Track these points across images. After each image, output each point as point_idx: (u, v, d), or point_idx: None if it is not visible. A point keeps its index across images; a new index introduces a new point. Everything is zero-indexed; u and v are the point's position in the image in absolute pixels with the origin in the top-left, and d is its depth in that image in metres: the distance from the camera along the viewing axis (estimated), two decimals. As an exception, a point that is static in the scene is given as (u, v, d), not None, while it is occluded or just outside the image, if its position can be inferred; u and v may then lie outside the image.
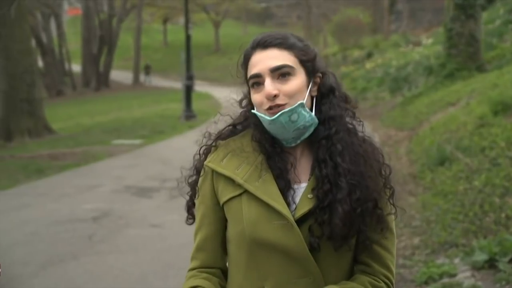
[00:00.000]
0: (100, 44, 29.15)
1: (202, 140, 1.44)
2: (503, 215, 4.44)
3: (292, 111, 1.29)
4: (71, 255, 4.86)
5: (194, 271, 1.39)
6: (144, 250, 5.05)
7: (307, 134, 1.34)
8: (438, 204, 5.28)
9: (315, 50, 1.37)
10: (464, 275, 3.79)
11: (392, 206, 1.36)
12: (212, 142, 1.41)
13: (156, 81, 32.20)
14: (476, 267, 3.83)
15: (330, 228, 1.27)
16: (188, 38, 16.71)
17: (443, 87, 11.65)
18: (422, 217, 5.13)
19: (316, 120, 1.34)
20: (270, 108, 1.30)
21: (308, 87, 1.33)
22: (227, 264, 1.42)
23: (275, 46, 1.32)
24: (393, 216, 1.36)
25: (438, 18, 23.19)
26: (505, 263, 3.71)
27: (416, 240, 4.63)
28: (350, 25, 25.83)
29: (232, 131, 1.43)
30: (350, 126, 1.36)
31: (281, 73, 1.30)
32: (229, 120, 1.46)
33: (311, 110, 1.34)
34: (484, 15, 13.59)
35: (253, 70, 1.32)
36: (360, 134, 1.38)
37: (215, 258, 1.39)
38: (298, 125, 1.31)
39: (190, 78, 16.28)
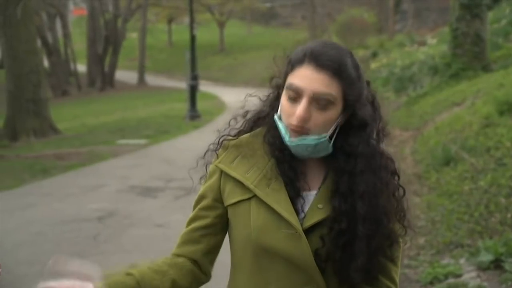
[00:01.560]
0: (105, 44, 29.22)
1: (226, 129, 1.40)
2: (509, 215, 4.42)
3: (314, 142, 1.25)
4: (76, 255, 4.83)
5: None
6: (149, 250, 5.05)
7: (319, 155, 1.30)
8: (443, 204, 5.26)
9: (364, 82, 1.30)
10: (469, 275, 3.78)
11: (403, 227, 1.32)
12: (235, 134, 1.39)
13: (161, 81, 32.25)
14: (482, 268, 3.81)
15: (342, 272, 1.25)
16: (192, 38, 16.72)
17: (448, 87, 11.61)
18: (427, 217, 5.12)
19: (331, 150, 1.29)
20: (293, 128, 1.25)
21: (338, 119, 1.27)
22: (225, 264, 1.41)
23: (329, 71, 1.23)
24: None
25: (443, 18, 23.13)
26: (511, 263, 3.69)
27: (421, 240, 4.62)
28: (355, 25, 25.79)
29: (256, 121, 1.39)
30: (376, 163, 1.28)
31: (321, 101, 1.24)
32: (255, 103, 1.41)
33: (331, 137, 1.28)
34: (490, 15, 13.53)
35: (296, 80, 1.24)
36: (383, 161, 1.30)
37: (194, 250, 1.37)
38: (314, 150, 1.28)
39: (194, 78, 16.29)
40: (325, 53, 1.24)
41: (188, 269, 1.37)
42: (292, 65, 1.28)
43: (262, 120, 1.38)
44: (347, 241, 1.25)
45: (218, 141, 1.39)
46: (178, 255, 1.39)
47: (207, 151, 1.40)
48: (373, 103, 1.33)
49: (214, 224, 1.38)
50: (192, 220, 1.40)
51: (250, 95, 1.41)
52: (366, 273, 1.27)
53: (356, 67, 1.27)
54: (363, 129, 1.28)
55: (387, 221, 1.27)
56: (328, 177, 1.31)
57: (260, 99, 1.40)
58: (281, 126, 1.28)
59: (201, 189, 1.41)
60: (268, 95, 1.38)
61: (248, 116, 1.41)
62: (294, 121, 1.25)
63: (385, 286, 1.32)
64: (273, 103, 1.36)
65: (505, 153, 5.63)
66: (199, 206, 1.39)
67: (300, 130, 1.24)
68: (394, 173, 1.33)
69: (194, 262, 1.38)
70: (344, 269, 1.25)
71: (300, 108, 1.23)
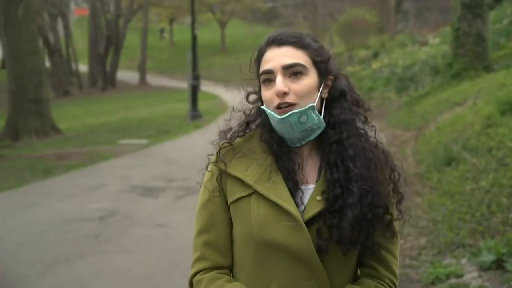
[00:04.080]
0: (107, 44, 29.24)
1: (218, 142, 1.40)
2: (510, 215, 4.42)
3: (302, 112, 1.29)
4: (78, 255, 4.88)
5: (212, 272, 1.35)
6: (150, 249, 5.06)
7: (312, 136, 1.34)
8: (445, 204, 5.25)
9: (329, 52, 1.37)
10: (471, 275, 3.77)
11: (399, 212, 1.35)
12: (229, 141, 1.39)
13: (162, 81, 32.28)
14: (483, 268, 3.81)
15: (339, 232, 1.27)
16: (194, 38, 16.72)
17: (450, 87, 11.60)
18: (428, 218, 5.11)
19: (324, 124, 1.33)
20: (279, 106, 1.29)
21: (319, 89, 1.33)
22: None
23: (290, 44, 1.31)
24: (398, 221, 1.36)
25: (445, 18, 23.10)
26: (512, 263, 3.68)
27: (422, 241, 4.61)
28: (356, 25, 25.76)
29: (246, 129, 1.41)
30: (362, 131, 1.35)
31: (293, 71, 1.30)
32: (241, 117, 1.43)
33: (320, 112, 1.33)
34: (492, 15, 13.52)
35: (265, 66, 1.32)
36: (372, 139, 1.37)
37: (225, 259, 1.37)
38: (305, 126, 1.31)
39: (196, 78, 16.29)
40: (282, 33, 1.34)
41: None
42: (258, 59, 1.35)
43: (252, 124, 1.41)
44: (342, 205, 1.28)
45: (218, 153, 1.38)
46: (218, 268, 1.37)
47: (208, 163, 1.41)
48: (347, 79, 1.40)
49: (231, 228, 1.38)
50: (206, 229, 1.38)
51: (235, 111, 1.44)
52: (362, 238, 1.28)
53: (315, 40, 1.36)
54: (343, 98, 1.36)
55: (381, 187, 1.30)
56: (323, 169, 1.34)
57: (244, 113, 1.43)
58: (269, 111, 1.32)
59: (203, 195, 1.40)
60: (253, 108, 1.42)
61: (239, 123, 1.42)
62: (276, 99, 1.30)
63: (387, 278, 1.35)
64: (258, 107, 1.40)
65: (507, 153, 5.62)
66: (210, 213, 1.38)
67: (285, 105, 1.29)
68: (387, 156, 1.36)
69: (229, 270, 1.39)
70: (343, 232, 1.27)
71: (276, 83, 1.29)
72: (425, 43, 19.22)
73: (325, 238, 1.28)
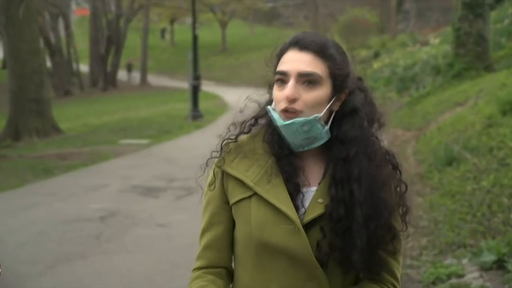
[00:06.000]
0: (108, 44, 29.25)
1: (226, 134, 1.40)
2: (511, 215, 4.41)
3: (305, 122, 1.27)
4: (79, 255, 4.88)
5: (200, 271, 1.39)
6: (151, 249, 5.06)
7: (315, 145, 1.32)
8: (446, 204, 5.25)
9: (350, 66, 1.34)
10: (472, 275, 3.77)
11: (403, 223, 1.33)
12: (235, 137, 1.38)
13: (163, 81, 32.30)
14: (484, 268, 3.81)
15: (345, 259, 1.27)
16: (195, 38, 16.73)
17: (451, 87, 11.59)
18: (429, 218, 5.11)
19: (329, 136, 1.31)
20: (285, 110, 1.28)
21: (329, 101, 1.31)
22: (232, 265, 1.42)
23: (311, 51, 1.29)
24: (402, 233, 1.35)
25: (446, 18, 23.10)
26: (513, 264, 3.68)
27: (423, 241, 4.61)
28: (357, 25, 25.77)
29: (253, 124, 1.40)
30: (370, 148, 1.31)
31: (307, 80, 1.28)
32: (254, 108, 1.42)
33: (327, 123, 1.31)
34: (493, 14, 13.51)
35: (282, 66, 1.31)
36: (381, 154, 1.33)
37: (222, 257, 1.39)
38: (309, 135, 1.29)
39: (196, 78, 16.30)
40: (307, 37, 1.32)
41: (225, 275, 1.39)
42: (278, 56, 1.33)
43: (260, 121, 1.39)
44: (347, 229, 1.26)
45: (220, 146, 1.39)
46: (211, 267, 1.39)
47: (209, 158, 1.41)
48: (366, 94, 1.37)
49: (232, 227, 1.39)
50: (207, 228, 1.40)
51: (250, 99, 1.42)
52: (367, 260, 1.28)
53: (340, 51, 1.33)
54: (355, 114, 1.32)
55: (386, 209, 1.28)
56: (328, 172, 1.33)
57: (258, 105, 1.41)
58: (274, 114, 1.31)
59: (206, 195, 1.41)
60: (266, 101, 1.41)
61: (247, 119, 1.42)
62: (284, 103, 1.28)
63: (388, 282, 1.34)
64: (268, 103, 1.38)
65: (507, 153, 5.62)
66: (210, 213, 1.39)
67: (292, 111, 1.27)
68: (396, 167, 1.35)
69: (225, 268, 1.40)
70: (346, 256, 1.26)
71: (287, 88, 1.27)
72: (426, 43, 19.20)
73: (325, 253, 1.27)
